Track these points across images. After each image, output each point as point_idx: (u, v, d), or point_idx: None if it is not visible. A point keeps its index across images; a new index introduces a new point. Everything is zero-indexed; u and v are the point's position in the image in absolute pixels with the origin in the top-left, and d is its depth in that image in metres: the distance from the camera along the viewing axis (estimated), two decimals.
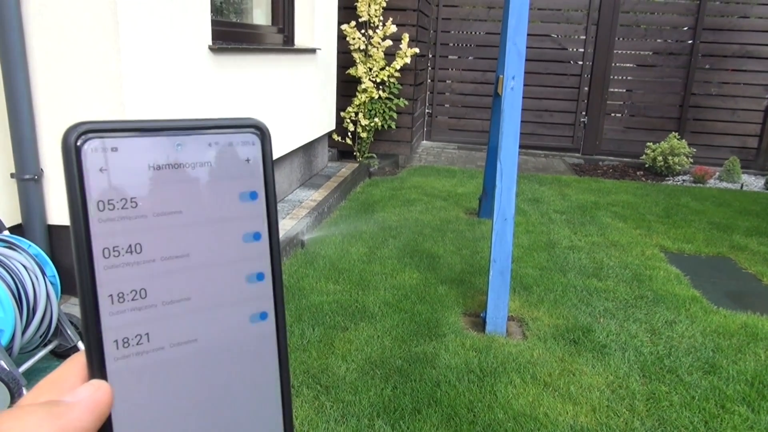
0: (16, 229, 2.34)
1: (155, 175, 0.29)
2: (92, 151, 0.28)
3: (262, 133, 0.32)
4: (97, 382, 0.29)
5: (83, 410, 0.27)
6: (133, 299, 0.29)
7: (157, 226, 0.30)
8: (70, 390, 0.28)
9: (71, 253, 0.29)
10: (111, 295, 0.29)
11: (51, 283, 1.89)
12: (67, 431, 0.26)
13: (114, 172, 0.28)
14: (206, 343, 0.32)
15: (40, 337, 1.87)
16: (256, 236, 0.33)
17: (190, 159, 0.30)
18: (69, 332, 1.96)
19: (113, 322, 0.29)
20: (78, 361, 0.30)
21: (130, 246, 0.29)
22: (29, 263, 1.83)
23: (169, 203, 0.30)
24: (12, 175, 2.31)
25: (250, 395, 0.33)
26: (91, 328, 0.29)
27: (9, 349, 1.72)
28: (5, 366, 1.64)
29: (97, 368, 0.29)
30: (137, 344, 0.30)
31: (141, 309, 0.30)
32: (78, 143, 0.28)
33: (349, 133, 5.73)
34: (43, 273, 1.86)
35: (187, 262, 0.31)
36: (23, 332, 1.77)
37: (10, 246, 1.87)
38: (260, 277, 0.33)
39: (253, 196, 0.32)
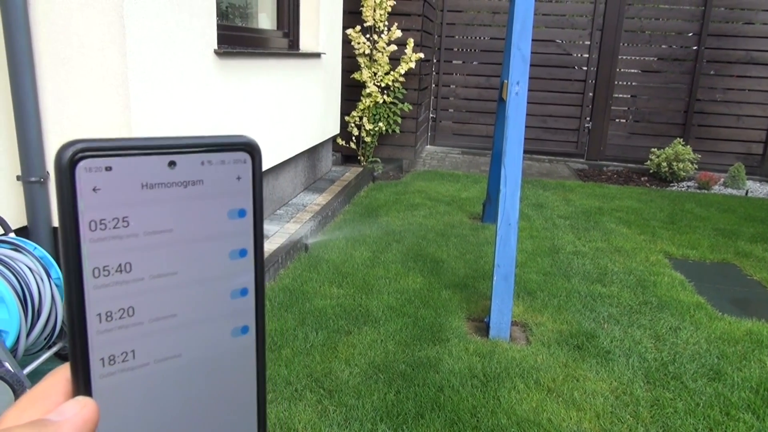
0: (21, 231, 2.35)
1: (148, 195, 0.29)
2: (86, 170, 0.27)
3: (253, 151, 0.33)
4: (83, 399, 0.28)
5: (70, 429, 0.26)
6: (120, 318, 0.29)
7: (147, 245, 0.29)
8: (54, 407, 0.27)
9: None
10: (99, 314, 0.29)
11: (56, 285, 1.90)
12: None
13: (107, 191, 0.28)
14: (189, 358, 0.32)
15: (45, 339, 1.88)
16: (242, 253, 0.33)
17: (182, 178, 0.30)
18: None
19: (100, 340, 0.29)
20: (60, 376, 0.29)
21: (120, 265, 0.29)
22: (34, 265, 1.84)
23: (160, 222, 0.30)
24: (18, 178, 2.32)
25: (228, 407, 0.34)
26: (78, 347, 0.28)
27: (13, 350, 1.72)
28: (10, 368, 1.64)
29: (83, 385, 0.29)
30: (123, 361, 0.30)
31: (128, 327, 0.30)
32: (72, 162, 0.27)
33: (354, 138, 5.74)
34: (48, 275, 1.87)
35: (174, 279, 0.31)
36: (28, 334, 1.77)
37: (16, 248, 1.88)
38: (244, 292, 0.33)
39: (242, 213, 0.32)
